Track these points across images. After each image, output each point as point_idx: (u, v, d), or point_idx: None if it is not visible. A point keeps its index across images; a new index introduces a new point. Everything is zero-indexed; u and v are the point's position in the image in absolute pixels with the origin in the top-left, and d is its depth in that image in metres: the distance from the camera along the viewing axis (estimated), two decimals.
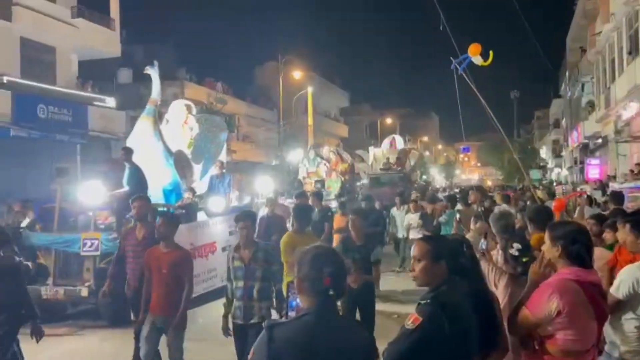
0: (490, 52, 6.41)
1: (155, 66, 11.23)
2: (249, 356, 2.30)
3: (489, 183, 45.85)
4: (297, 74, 35.54)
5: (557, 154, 51.07)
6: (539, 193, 14.83)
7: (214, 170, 11.76)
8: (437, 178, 59.29)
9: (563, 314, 2.74)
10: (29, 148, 17.21)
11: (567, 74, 42.38)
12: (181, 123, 11.78)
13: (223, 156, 12.59)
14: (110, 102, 22.16)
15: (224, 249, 9.87)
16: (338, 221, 10.27)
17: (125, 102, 24.10)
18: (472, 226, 5.10)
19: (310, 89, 34.97)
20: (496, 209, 7.82)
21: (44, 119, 18.19)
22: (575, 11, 34.10)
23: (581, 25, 32.25)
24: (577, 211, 11.04)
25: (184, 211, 9.60)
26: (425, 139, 71.47)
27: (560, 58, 46.29)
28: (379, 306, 6.73)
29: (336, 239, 9.26)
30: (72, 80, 21.49)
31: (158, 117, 10.87)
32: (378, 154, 28.34)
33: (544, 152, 59.00)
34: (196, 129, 11.90)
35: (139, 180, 9.06)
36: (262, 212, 10.75)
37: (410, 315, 2.54)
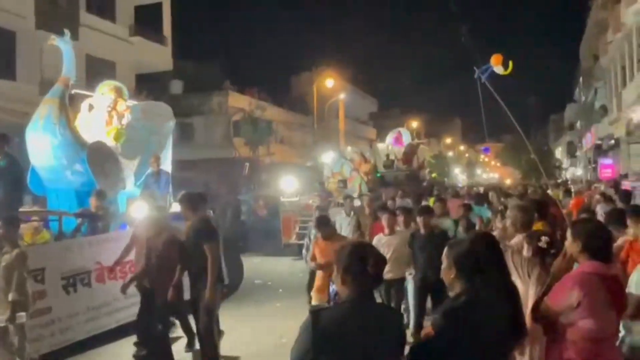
0: (510, 62, 6.31)
1: (66, 36, 8.26)
2: (296, 337, 2.34)
3: (508, 182, 45.05)
4: (329, 83, 35.58)
5: (571, 154, 50.02)
6: (554, 192, 14.50)
7: (150, 167, 9.06)
8: (460, 177, 58.63)
9: (583, 304, 2.71)
10: None
11: (581, 80, 41.43)
12: (106, 109, 8.73)
13: (168, 152, 10.04)
14: None
15: None
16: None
17: (177, 111, 24.53)
18: (497, 224, 5.02)
19: (341, 97, 34.94)
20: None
21: None
22: (588, 21, 33.33)
23: (594, 34, 31.53)
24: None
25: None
26: (449, 140, 70.69)
27: (574, 66, 45.29)
28: None
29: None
30: (130, 92, 21.94)
31: (68, 101, 8.09)
32: (382, 150, 23.86)
33: (559, 153, 57.78)
34: (128, 117, 8.96)
35: (13, 178, 6.95)
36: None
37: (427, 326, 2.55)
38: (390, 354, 2.37)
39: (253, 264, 12.02)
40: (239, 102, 30.94)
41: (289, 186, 17.89)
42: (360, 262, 2.38)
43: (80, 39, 18.85)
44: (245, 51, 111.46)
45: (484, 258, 2.56)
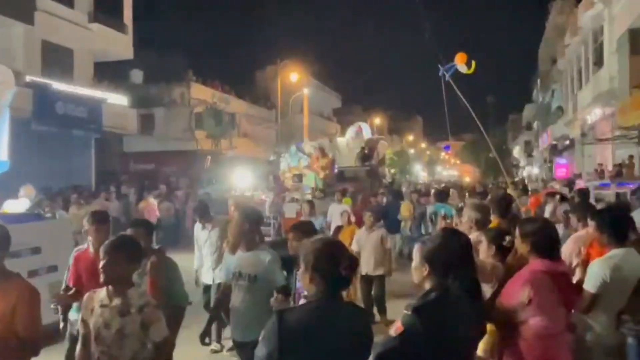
0: (473, 62, 6.47)
1: None
2: (260, 337, 2.30)
3: (467, 179, 45.90)
4: (294, 77, 35.43)
5: (528, 153, 51.34)
6: (511, 190, 14.78)
7: None
8: (421, 174, 59.50)
9: (534, 302, 2.78)
10: (48, 141, 17.11)
11: (538, 81, 42.54)
12: None
13: (3, 134, 7.32)
14: (123, 100, 22.03)
15: None
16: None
17: (137, 101, 24.03)
18: (456, 220, 5.09)
19: (305, 91, 34.87)
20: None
21: (62, 115, 18.09)
22: (547, 25, 34.24)
23: (552, 38, 32.42)
24: (549, 207, 10.99)
25: None
26: (411, 138, 71.55)
27: (533, 67, 46.50)
28: None
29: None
30: (88, 80, 21.36)
31: None
32: (342, 144, 23.01)
33: (517, 152, 59.31)
34: None
35: None
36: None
37: (396, 321, 2.45)
38: (357, 354, 2.33)
39: None
40: (201, 93, 30.49)
41: (242, 181, 17.47)
42: (330, 261, 2.33)
43: (36, 24, 18.23)
44: (209, 43, 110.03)
45: (456, 255, 2.53)
